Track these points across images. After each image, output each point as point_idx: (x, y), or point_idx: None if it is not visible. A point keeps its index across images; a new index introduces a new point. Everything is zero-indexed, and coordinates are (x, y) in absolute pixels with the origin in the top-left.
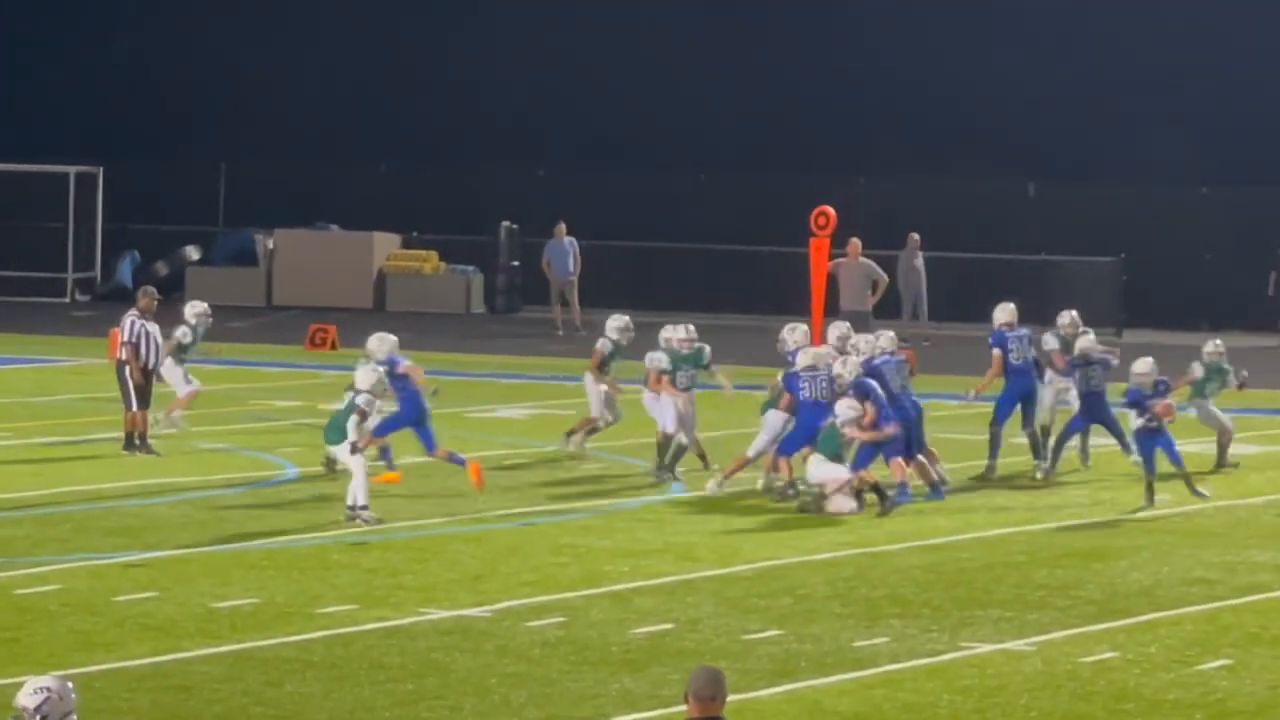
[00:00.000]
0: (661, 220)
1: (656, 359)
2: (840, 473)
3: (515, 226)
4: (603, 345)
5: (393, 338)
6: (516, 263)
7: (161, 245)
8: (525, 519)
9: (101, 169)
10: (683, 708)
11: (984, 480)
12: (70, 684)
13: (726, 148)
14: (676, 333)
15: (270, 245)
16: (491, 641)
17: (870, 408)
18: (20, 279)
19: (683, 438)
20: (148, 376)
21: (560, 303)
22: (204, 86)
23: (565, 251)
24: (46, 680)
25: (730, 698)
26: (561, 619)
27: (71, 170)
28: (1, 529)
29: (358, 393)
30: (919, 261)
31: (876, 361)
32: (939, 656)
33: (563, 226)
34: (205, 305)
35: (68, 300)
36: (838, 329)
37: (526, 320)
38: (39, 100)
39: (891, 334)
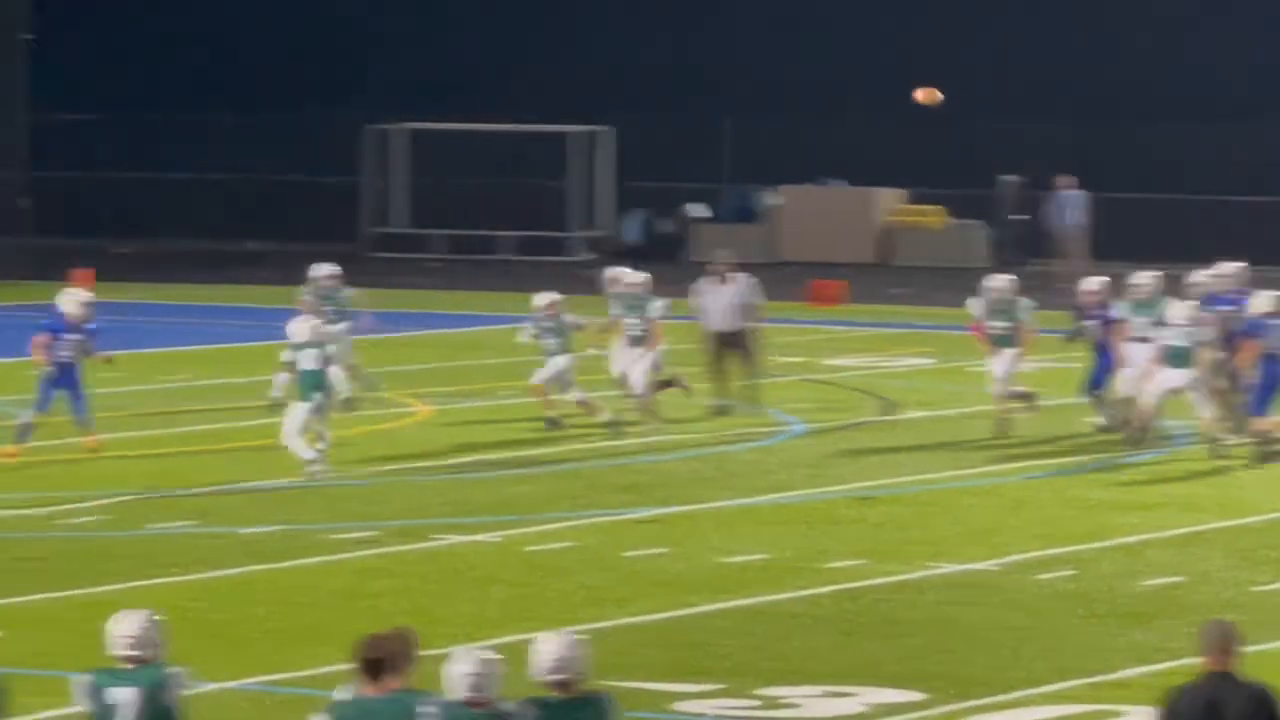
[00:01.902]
0: (1167, 171)
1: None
2: None
3: (1022, 179)
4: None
5: None
6: (1025, 216)
7: (668, 203)
8: (1030, 473)
9: (611, 128)
10: (1192, 661)
11: None
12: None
13: (1224, 100)
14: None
15: (775, 201)
16: (1000, 595)
17: None
18: (532, 238)
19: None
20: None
21: (1066, 255)
22: (704, 41)
23: (1070, 204)
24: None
25: (1243, 650)
26: (1071, 572)
27: (581, 129)
28: (513, 486)
29: None
30: None
31: None
32: None
33: (1068, 179)
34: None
35: (577, 259)
36: None
37: (1033, 274)
38: (561, 60)
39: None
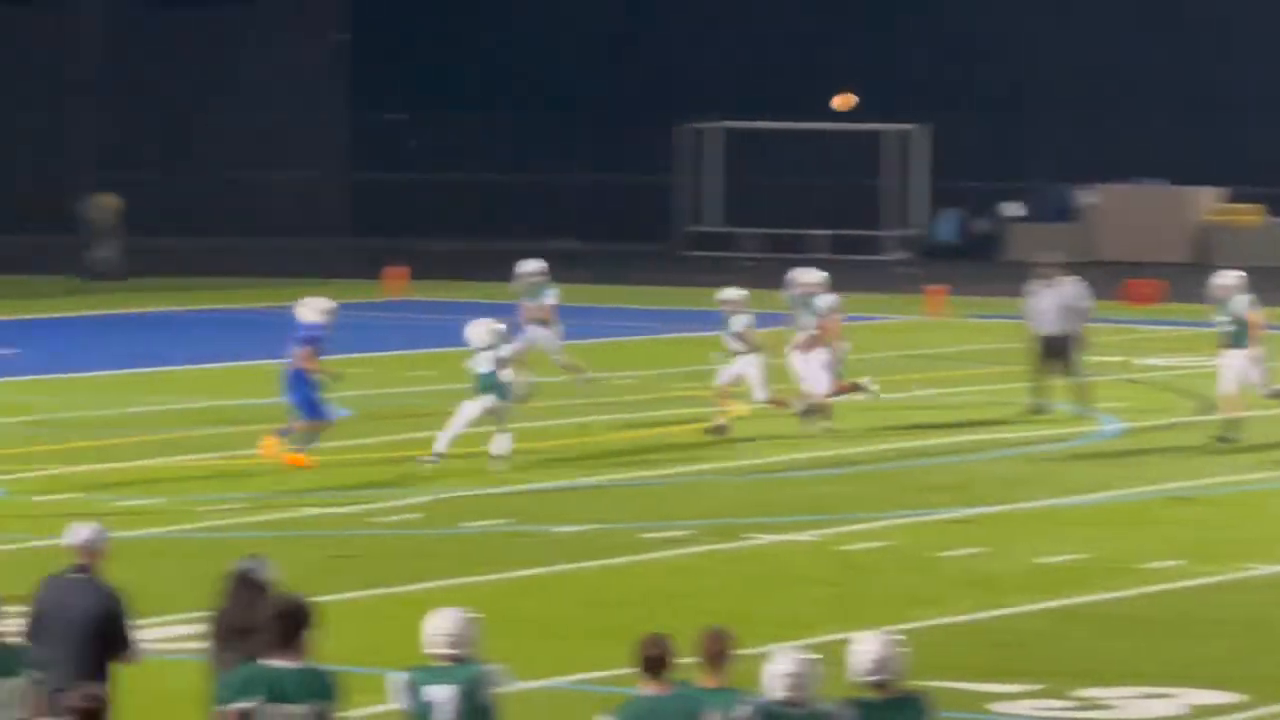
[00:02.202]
0: None
1: None
2: None
3: None
4: None
5: None
6: None
7: (982, 202)
8: None
9: (925, 126)
10: None
11: None
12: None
13: None
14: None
15: (1090, 200)
16: None
17: None
18: (845, 237)
19: None
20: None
21: None
22: (1019, 40)
23: None
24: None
25: None
26: None
27: (894, 128)
28: (825, 486)
29: None
30: None
31: None
32: None
33: None
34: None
35: (890, 258)
36: None
37: None
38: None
39: None
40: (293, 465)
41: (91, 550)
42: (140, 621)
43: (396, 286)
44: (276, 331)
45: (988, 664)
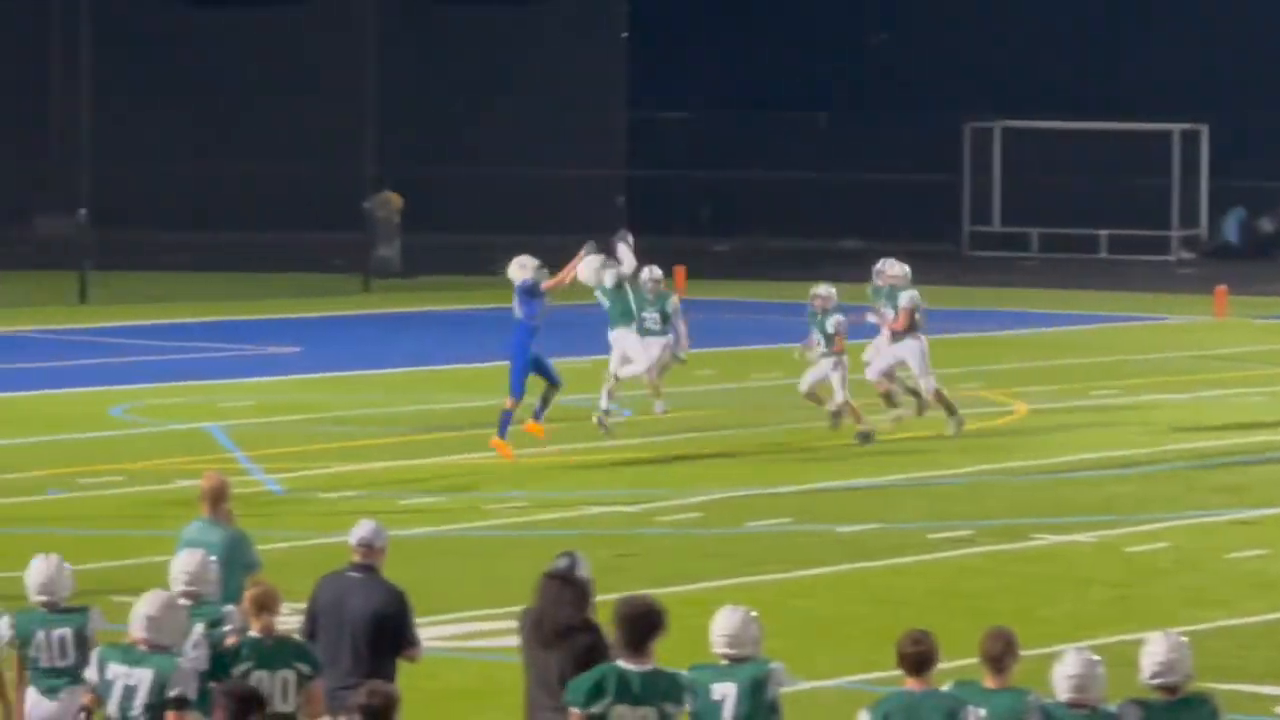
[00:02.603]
0: None
1: None
2: None
3: None
4: None
5: None
6: None
7: (1265, 202)
8: None
9: (1206, 126)
10: None
11: None
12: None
13: None
14: None
15: None
16: None
17: None
18: (1127, 237)
19: None
20: None
21: None
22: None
23: None
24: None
25: None
26: None
27: (1177, 128)
28: (1111, 486)
29: None
30: None
31: None
32: None
33: None
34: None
35: (1172, 258)
36: None
37: None
38: (1156, 59)
39: None
40: (531, 432)
41: (372, 548)
42: (423, 619)
43: (679, 285)
44: (559, 330)
45: (1276, 666)
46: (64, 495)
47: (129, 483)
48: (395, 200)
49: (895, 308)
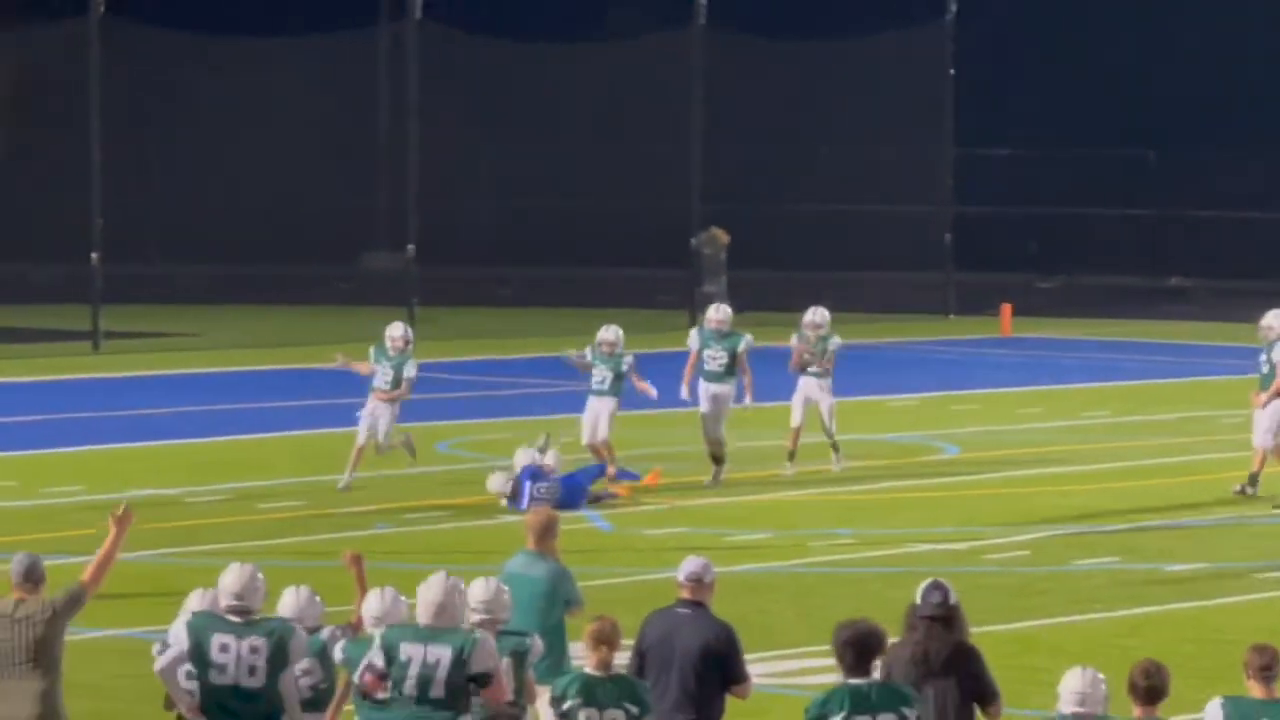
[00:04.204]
0: None
1: None
2: None
3: None
4: None
5: None
6: None
7: None
8: None
9: None
10: None
11: None
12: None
13: None
14: None
15: None
16: None
17: None
18: None
19: None
20: None
21: None
22: None
23: None
24: None
25: None
26: None
27: None
28: None
29: None
30: None
31: None
32: None
33: None
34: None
35: None
36: None
37: None
38: None
39: None
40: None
41: (701, 583)
42: (751, 656)
43: (1006, 323)
44: (881, 366)
45: None
46: (390, 530)
47: (453, 517)
48: (722, 236)
49: None
